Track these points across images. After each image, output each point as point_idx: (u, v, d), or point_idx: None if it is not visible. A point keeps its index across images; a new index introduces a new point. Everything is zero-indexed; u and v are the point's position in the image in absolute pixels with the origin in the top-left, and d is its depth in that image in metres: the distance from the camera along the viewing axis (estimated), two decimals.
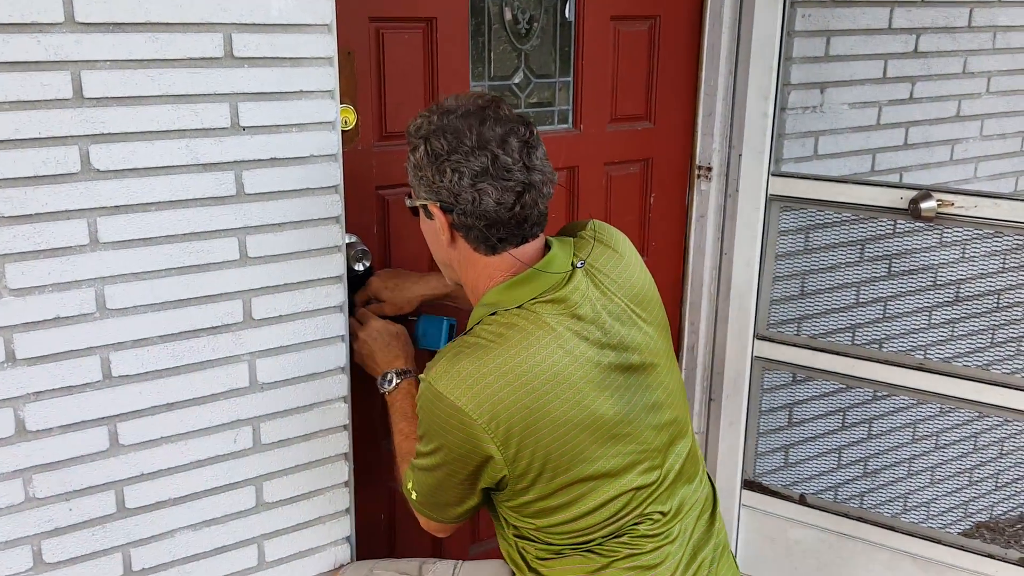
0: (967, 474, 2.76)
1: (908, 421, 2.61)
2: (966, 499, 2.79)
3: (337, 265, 1.64)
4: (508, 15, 2.00)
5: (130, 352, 1.47)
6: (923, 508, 2.70)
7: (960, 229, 2.16)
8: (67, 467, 1.46)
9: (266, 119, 1.50)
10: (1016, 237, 2.06)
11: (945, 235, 2.38)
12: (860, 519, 2.33)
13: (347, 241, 1.73)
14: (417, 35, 1.87)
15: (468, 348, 1.33)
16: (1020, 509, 2.93)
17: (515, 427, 1.30)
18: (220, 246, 1.51)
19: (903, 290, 2.45)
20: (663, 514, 1.43)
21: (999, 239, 2.15)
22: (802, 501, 2.40)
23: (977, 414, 2.37)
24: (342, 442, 1.72)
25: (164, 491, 1.56)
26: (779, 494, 2.42)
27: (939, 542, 2.25)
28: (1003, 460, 2.78)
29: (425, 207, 1.40)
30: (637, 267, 1.49)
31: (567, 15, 2.07)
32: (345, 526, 1.78)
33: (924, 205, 2.00)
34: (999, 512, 2.88)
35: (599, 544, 1.41)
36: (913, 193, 2.03)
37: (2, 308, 1.36)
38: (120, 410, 1.48)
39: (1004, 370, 2.31)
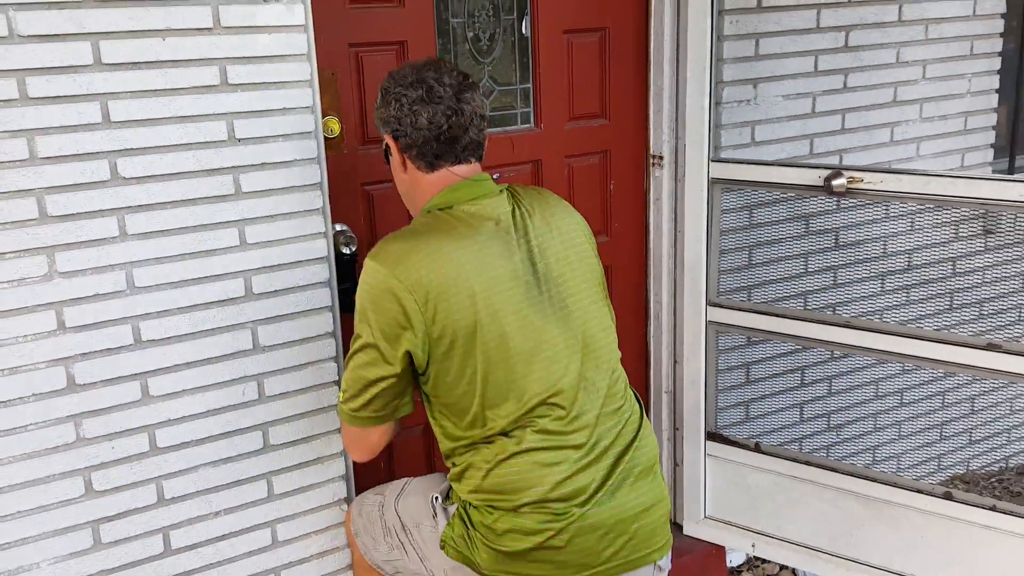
0: (938, 429, 3.01)
1: (867, 379, 2.88)
2: (938, 453, 3.04)
3: (321, 248, 1.99)
4: (471, 34, 2.34)
5: (155, 321, 1.85)
6: (894, 460, 2.96)
7: (871, 202, 2.43)
8: (108, 414, 1.84)
9: (257, 132, 1.86)
10: (916, 206, 2.33)
11: (891, 210, 2.66)
12: (807, 463, 2.61)
13: (337, 229, 2.09)
14: (391, 56, 2.22)
15: (403, 234, 1.66)
16: (999, 464, 3.17)
17: (433, 291, 1.57)
18: (224, 235, 1.88)
19: (850, 259, 2.73)
20: (565, 418, 1.65)
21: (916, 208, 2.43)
22: (757, 448, 2.69)
23: (942, 373, 2.61)
24: (333, 395, 2.07)
25: (188, 434, 1.93)
26: (737, 443, 2.71)
27: (875, 480, 2.52)
28: (976, 417, 3.03)
29: (387, 147, 1.74)
30: (564, 211, 1.78)
31: (523, 31, 2.40)
32: (340, 466, 2.13)
33: (835, 182, 2.29)
34: (976, 466, 3.12)
35: (502, 435, 1.64)
36: (827, 172, 2.31)
37: (54, 288, 1.74)
38: (149, 367, 1.86)
39: (935, 326, 2.59)
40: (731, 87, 2.51)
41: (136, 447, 1.88)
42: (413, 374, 1.67)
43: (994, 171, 3.15)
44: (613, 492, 1.68)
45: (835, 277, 2.73)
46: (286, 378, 2.01)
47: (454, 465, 1.73)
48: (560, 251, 1.72)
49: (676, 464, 2.84)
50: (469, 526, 1.69)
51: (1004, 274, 2.75)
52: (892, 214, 2.60)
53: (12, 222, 1.68)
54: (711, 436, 2.75)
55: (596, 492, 1.66)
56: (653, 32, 2.53)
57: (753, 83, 2.54)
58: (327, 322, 2.03)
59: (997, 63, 3.04)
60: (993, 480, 3.18)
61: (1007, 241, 2.60)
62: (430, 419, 1.74)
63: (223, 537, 2.01)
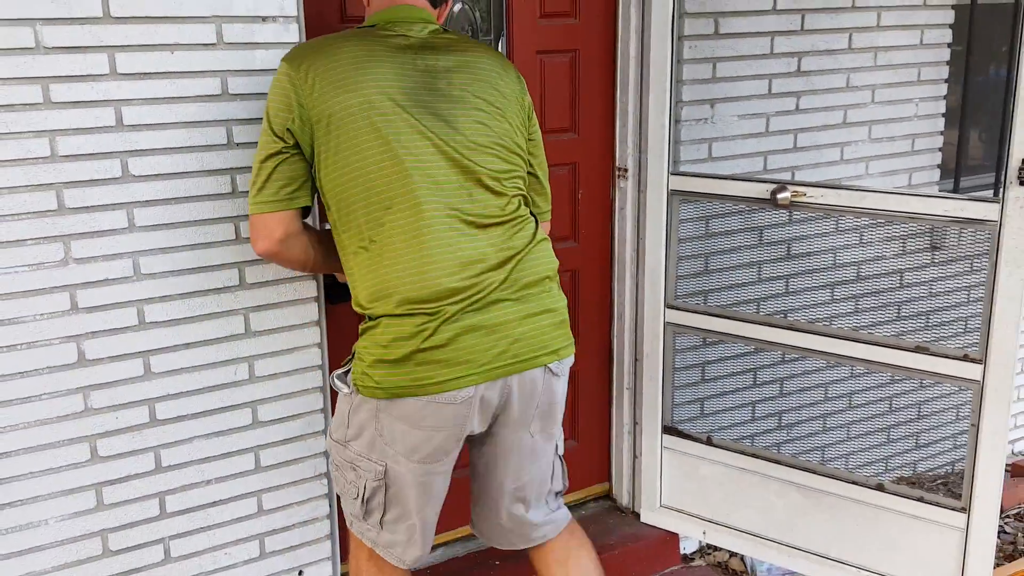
0: (884, 432, 3.24)
1: (816, 380, 3.11)
2: (885, 455, 3.27)
3: None
4: None
5: (158, 305, 2.06)
6: (841, 460, 3.19)
7: (816, 215, 2.67)
8: (114, 387, 2.05)
9: (252, 137, 2.08)
10: (853, 219, 2.57)
11: (841, 223, 2.90)
12: (753, 455, 2.84)
13: (326, 228, 2.31)
14: None
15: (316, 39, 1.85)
16: (946, 468, 3.38)
17: (315, 72, 1.75)
18: (221, 229, 2.09)
19: (798, 268, 2.97)
20: (419, 219, 1.75)
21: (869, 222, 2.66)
22: (709, 442, 2.91)
23: (890, 376, 2.82)
24: (317, 378, 2.29)
25: (184, 408, 2.14)
26: (691, 436, 2.94)
27: (814, 472, 2.75)
28: (922, 421, 3.26)
29: None
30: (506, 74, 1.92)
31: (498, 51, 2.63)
32: (322, 443, 2.34)
33: (780, 195, 2.52)
34: (923, 468, 3.35)
35: (380, 235, 1.76)
36: (773, 186, 2.55)
37: (69, 272, 1.95)
38: (151, 346, 2.07)
39: (869, 329, 2.82)
40: (690, 106, 2.74)
41: (137, 418, 2.09)
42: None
43: (940, 190, 3.39)
44: (497, 299, 1.79)
45: (786, 284, 2.97)
46: (274, 361, 2.22)
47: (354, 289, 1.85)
48: (470, 86, 1.84)
49: (636, 456, 3.06)
50: (364, 359, 1.81)
51: (934, 282, 2.99)
52: (837, 227, 2.84)
53: (34, 212, 1.89)
54: (667, 430, 2.97)
55: (476, 295, 1.77)
56: (620, 55, 2.77)
57: (711, 103, 2.77)
58: (312, 311, 2.24)
59: (943, 89, 3.28)
60: (938, 483, 3.41)
61: (937, 252, 2.84)
62: (339, 248, 1.86)
63: (213, 504, 2.22)
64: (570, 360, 1.96)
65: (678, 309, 2.84)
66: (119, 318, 2.03)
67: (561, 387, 1.96)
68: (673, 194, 2.75)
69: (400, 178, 1.76)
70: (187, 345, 2.11)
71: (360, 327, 1.86)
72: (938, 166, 3.37)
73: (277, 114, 1.78)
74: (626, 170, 2.84)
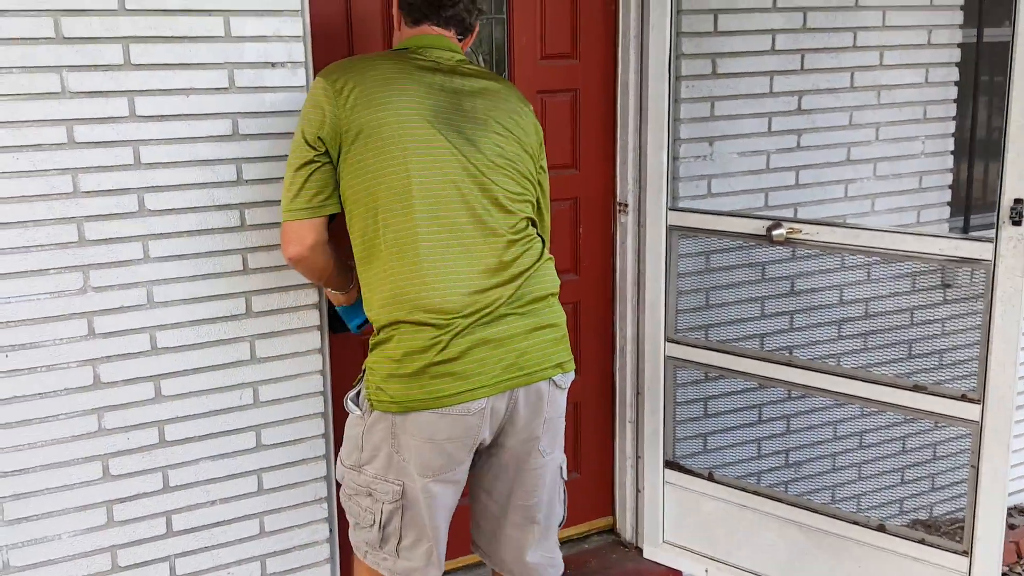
0: (900, 472, 3.41)
1: (823, 419, 3.31)
2: (901, 496, 3.44)
3: None
4: None
5: (169, 331, 2.34)
6: (853, 501, 3.38)
7: (805, 251, 2.90)
8: (126, 409, 2.32)
9: (261, 175, 2.36)
10: (848, 256, 2.80)
11: (839, 260, 3.12)
12: (755, 492, 3.04)
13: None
14: None
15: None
16: (949, 510, 3.53)
17: (350, 87, 1.99)
18: (230, 260, 2.37)
19: (798, 305, 3.19)
20: (450, 236, 1.99)
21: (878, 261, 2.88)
22: (710, 477, 3.13)
23: (904, 417, 2.98)
24: (319, 404, 2.54)
25: (192, 430, 2.41)
26: (692, 471, 3.15)
27: (815, 511, 2.94)
28: (939, 463, 3.44)
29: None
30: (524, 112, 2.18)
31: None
32: (323, 467, 2.59)
33: (775, 232, 2.76)
34: (927, 510, 3.51)
35: (395, 245, 1.98)
36: (768, 223, 2.79)
37: (87, 300, 2.24)
38: (162, 371, 2.35)
39: (894, 372, 3.03)
40: (688, 144, 3.00)
41: (148, 439, 2.36)
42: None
43: (951, 228, 3.61)
44: (504, 313, 2.02)
45: (788, 320, 3.19)
46: (278, 387, 2.49)
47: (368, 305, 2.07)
48: (491, 111, 2.10)
49: (638, 490, 3.29)
50: (376, 373, 2.02)
51: (934, 320, 3.20)
52: (836, 264, 3.07)
53: (56, 243, 2.18)
54: (669, 464, 3.19)
55: (485, 309, 1.99)
56: (620, 94, 3.04)
57: (709, 141, 3.03)
58: (315, 339, 2.51)
59: (951, 126, 3.51)
60: (956, 527, 3.57)
61: (936, 291, 3.05)
62: (356, 256, 2.07)
63: (217, 524, 2.48)
64: (571, 375, 2.18)
65: (678, 343, 3.08)
66: (133, 343, 2.30)
67: (563, 400, 2.17)
68: (671, 229, 3.00)
69: (424, 189, 1.98)
70: (196, 370, 2.38)
71: (371, 341, 2.08)
72: (948, 204, 3.58)
73: (310, 124, 2.01)
74: (627, 205, 3.10)
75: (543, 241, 2.19)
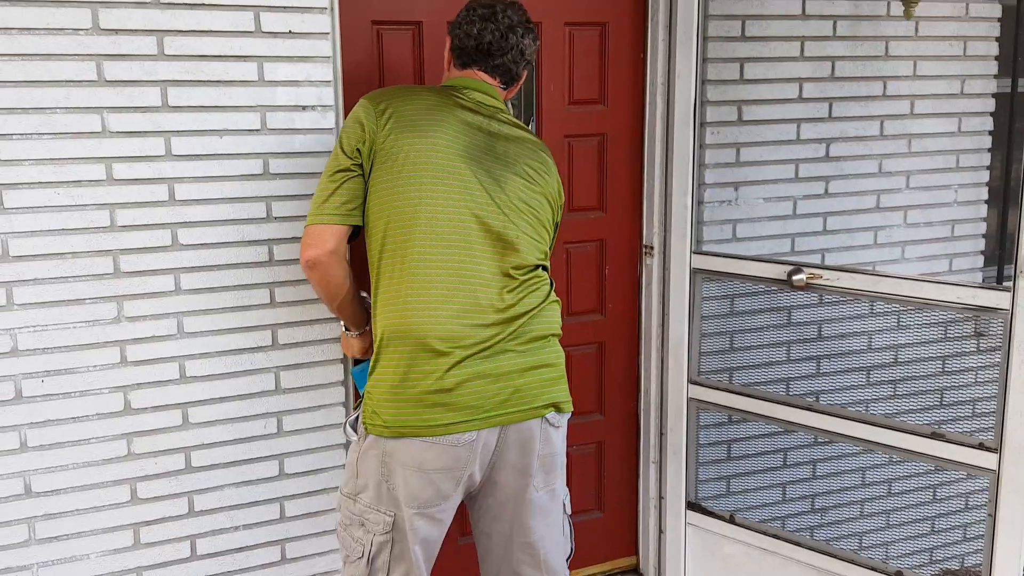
0: (921, 520, 3.36)
1: (848, 466, 3.27)
2: (928, 545, 3.38)
3: None
4: None
5: (198, 361, 2.41)
6: (881, 548, 3.32)
7: (825, 296, 2.88)
8: (154, 435, 2.40)
9: (290, 212, 2.44)
10: (868, 302, 2.78)
11: (860, 306, 3.10)
12: (774, 536, 3.02)
13: (362, 295, 2.64)
14: None
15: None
16: (968, 559, 3.45)
17: (391, 111, 2.05)
18: (258, 294, 2.44)
19: (828, 351, 3.17)
20: (457, 270, 2.01)
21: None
22: (731, 520, 3.11)
23: (934, 467, 2.95)
24: (340, 435, 2.59)
25: (218, 457, 2.47)
26: (714, 513, 3.14)
27: (834, 555, 2.91)
28: (969, 513, 3.37)
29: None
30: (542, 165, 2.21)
31: None
32: None
33: (795, 277, 2.76)
34: (972, 562, 3.43)
35: (403, 270, 2.01)
36: (789, 268, 2.79)
37: (121, 329, 2.32)
38: (190, 399, 2.42)
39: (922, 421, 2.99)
40: (713, 188, 3.02)
41: (175, 465, 2.43)
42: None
43: (984, 277, 3.56)
44: (503, 349, 2.04)
45: (810, 366, 3.17)
46: (301, 417, 2.55)
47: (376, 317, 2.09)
48: (521, 159, 2.15)
49: (661, 531, 3.27)
50: (373, 396, 2.04)
51: (954, 368, 3.14)
52: (856, 310, 3.04)
53: (93, 275, 2.27)
54: (691, 506, 3.18)
55: (485, 343, 2.01)
56: (647, 139, 3.07)
57: (735, 186, 3.04)
58: (338, 372, 2.57)
59: (985, 176, 3.48)
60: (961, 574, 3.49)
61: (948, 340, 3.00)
62: (371, 277, 2.10)
63: (240, 549, 2.53)
64: (567, 415, 2.18)
65: (701, 385, 3.07)
66: (163, 372, 2.38)
67: (559, 439, 2.17)
68: (695, 272, 3.01)
69: (444, 220, 2.02)
70: (222, 399, 2.45)
71: (371, 363, 2.10)
72: (981, 252, 3.54)
73: (349, 136, 2.07)
74: (652, 248, 3.12)
75: (551, 285, 2.22)
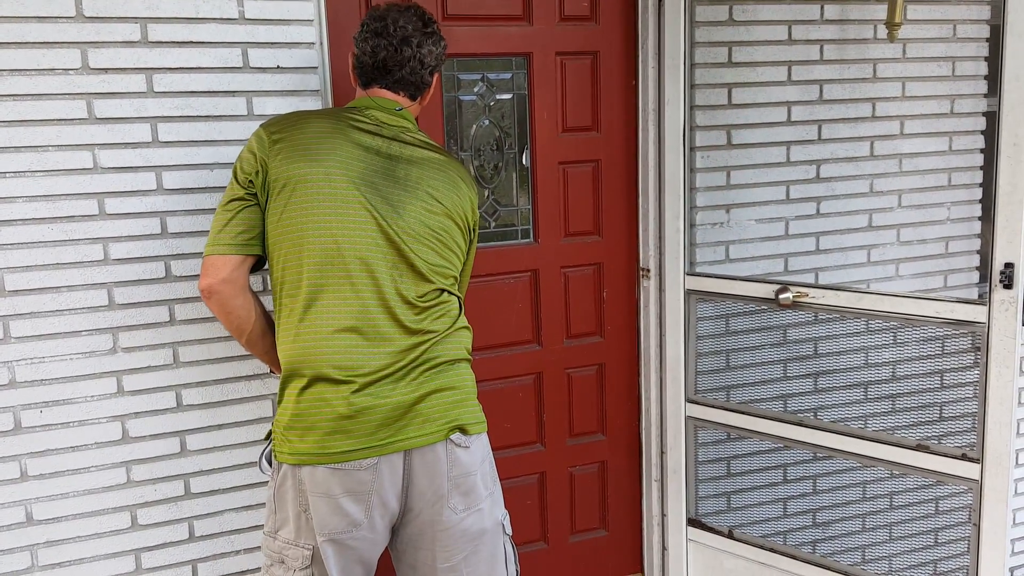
0: (901, 531, 3.13)
1: (845, 481, 3.06)
2: (931, 558, 3.16)
3: None
4: (476, 163, 2.76)
5: (194, 389, 2.27)
6: (859, 556, 3.09)
7: (814, 313, 2.69)
8: (153, 462, 2.26)
9: None
10: (851, 320, 2.59)
11: (863, 324, 2.89)
12: (771, 550, 2.82)
13: None
14: None
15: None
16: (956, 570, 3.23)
17: (283, 138, 1.85)
18: None
19: (818, 368, 2.96)
20: (352, 300, 1.83)
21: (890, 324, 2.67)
22: (730, 535, 2.91)
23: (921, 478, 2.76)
24: None
25: (216, 483, 2.33)
26: (714, 529, 2.94)
27: (831, 569, 2.71)
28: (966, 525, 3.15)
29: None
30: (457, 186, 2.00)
31: (524, 162, 2.81)
32: None
33: (782, 296, 2.58)
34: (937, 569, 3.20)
35: (302, 301, 1.83)
36: (777, 287, 2.60)
37: (117, 360, 2.19)
38: (188, 426, 2.28)
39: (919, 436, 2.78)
40: (704, 211, 2.84)
41: (174, 491, 2.29)
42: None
43: (979, 293, 3.33)
44: (402, 376, 1.86)
45: (811, 382, 2.96)
46: None
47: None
48: (424, 182, 1.94)
49: (664, 548, 3.08)
50: (279, 423, 1.87)
51: (940, 381, 2.92)
52: (845, 326, 2.84)
53: (88, 307, 2.15)
54: (692, 522, 2.98)
55: (386, 370, 1.84)
56: (640, 164, 2.90)
57: (726, 208, 2.86)
58: None
59: (978, 193, 3.26)
60: None
61: (928, 352, 2.78)
62: (273, 309, 1.91)
63: (242, 573, 2.38)
64: (475, 436, 1.96)
65: (698, 404, 2.89)
66: (160, 401, 2.24)
67: (471, 458, 1.94)
68: (689, 293, 2.83)
69: (337, 249, 1.83)
70: (219, 426, 2.31)
71: (278, 396, 1.90)
72: (976, 269, 3.32)
73: (243, 167, 1.87)
74: (648, 270, 2.94)
75: (460, 310, 2.02)
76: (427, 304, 1.91)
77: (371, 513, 1.87)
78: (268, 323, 1.99)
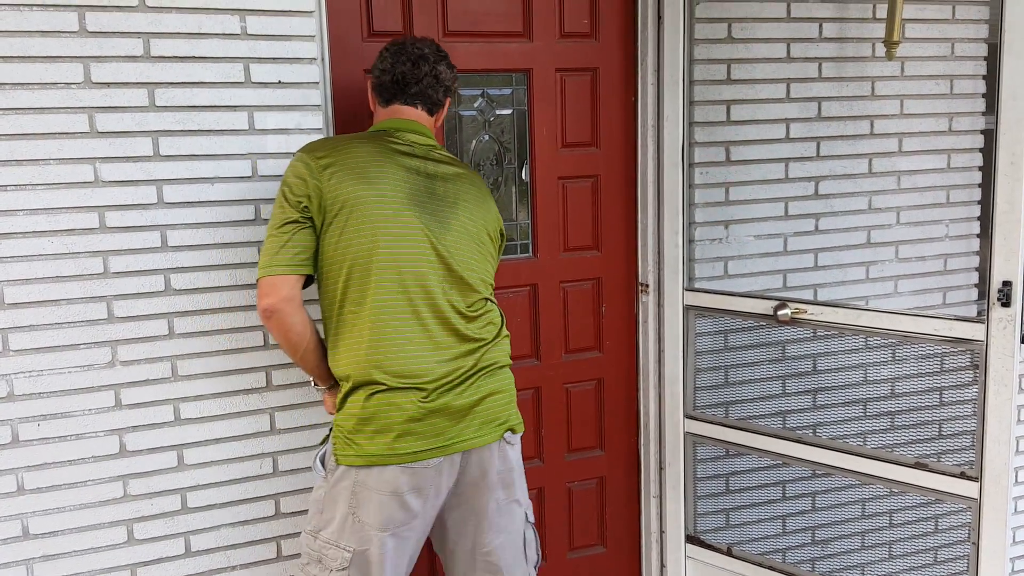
0: (901, 549, 3.12)
1: (846, 498, 3.04)
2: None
3: None
4: None
5: (192, 403, 2.27)
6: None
7: (813, 330, 2.68)
8: (150, 476, 2.25)
9: None
10: (850, 336, 2.58)
11: (861, 341, 2.88)
12: (770, 568, 2.80)
13: None
14: None
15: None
16: None
17: (332, 165, 1.93)
18: (251, 336, 2.30)
19: (817, 384, 2.95)
20: (414, 309, 1.96)
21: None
22: (728, 552, 2.90)
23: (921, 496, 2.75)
24: None
25: (213, 498, 2.32)
26: (712, 546, 2.93)
27: None
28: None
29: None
30: (483, 199, 2.13)
31: (523, 177, 2.81)
32: None
33: (780, 312, 2.58)
34: None
35: (366, 311, 1.94)
36: (775, 303, 2.60)
37: (115, 373, 2.18)
38: (185, 440, 2.27)
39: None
40: (703, 227, 2.84)
41: (170, 505, 2.28)
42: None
43: (979, 312, 3.32)
44: (462, 381, 2.01)
45: (809, 399, 2.96)
46: (296, 457, 2.39)
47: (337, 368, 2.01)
48: (458, 201, 2.06)
49: (663, 565, 3.06)
50: (344, 427, 1.97)
51: (938, 399, 2.92)
52: (844, 343, 2.83)
53: (87, 320, 2.14)
54: (690, 539, 2.97)
55: (448, 376, 1.98)
56: (640, 179, 2.91)
57: (725, 224, 2.86)
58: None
59: (976, 211, 3.26)
60: None
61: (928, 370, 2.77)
62: (326, 320, 2.01)
63: None
64: (519, 433, 2.15)
65: (697, 419, 2.88)
66: (157, 414, 2.24)
67: (515, 455, 2.14)
68: (688, 309, 2.83)
69: (396, 268, 1.95)
70: (217, 440, 2.30)
71: (338, 398, 2.00)
72: (975, 285, 3.32)
73: (294, 190, 1.94)
74: (647, 285, 2.94)
75: (502, 318, 2.17)
76: (476, 313, 2.06)
77: (426, 504, 2.01)
78: (318, 337, 2.05)
